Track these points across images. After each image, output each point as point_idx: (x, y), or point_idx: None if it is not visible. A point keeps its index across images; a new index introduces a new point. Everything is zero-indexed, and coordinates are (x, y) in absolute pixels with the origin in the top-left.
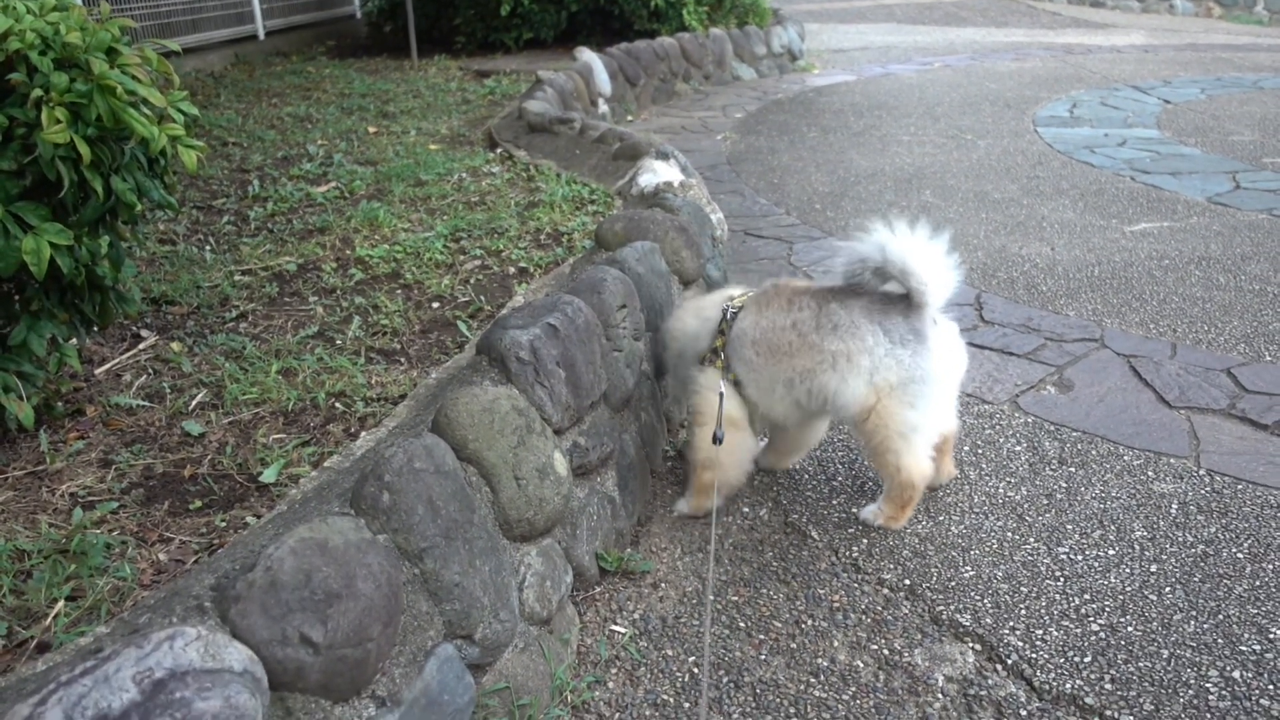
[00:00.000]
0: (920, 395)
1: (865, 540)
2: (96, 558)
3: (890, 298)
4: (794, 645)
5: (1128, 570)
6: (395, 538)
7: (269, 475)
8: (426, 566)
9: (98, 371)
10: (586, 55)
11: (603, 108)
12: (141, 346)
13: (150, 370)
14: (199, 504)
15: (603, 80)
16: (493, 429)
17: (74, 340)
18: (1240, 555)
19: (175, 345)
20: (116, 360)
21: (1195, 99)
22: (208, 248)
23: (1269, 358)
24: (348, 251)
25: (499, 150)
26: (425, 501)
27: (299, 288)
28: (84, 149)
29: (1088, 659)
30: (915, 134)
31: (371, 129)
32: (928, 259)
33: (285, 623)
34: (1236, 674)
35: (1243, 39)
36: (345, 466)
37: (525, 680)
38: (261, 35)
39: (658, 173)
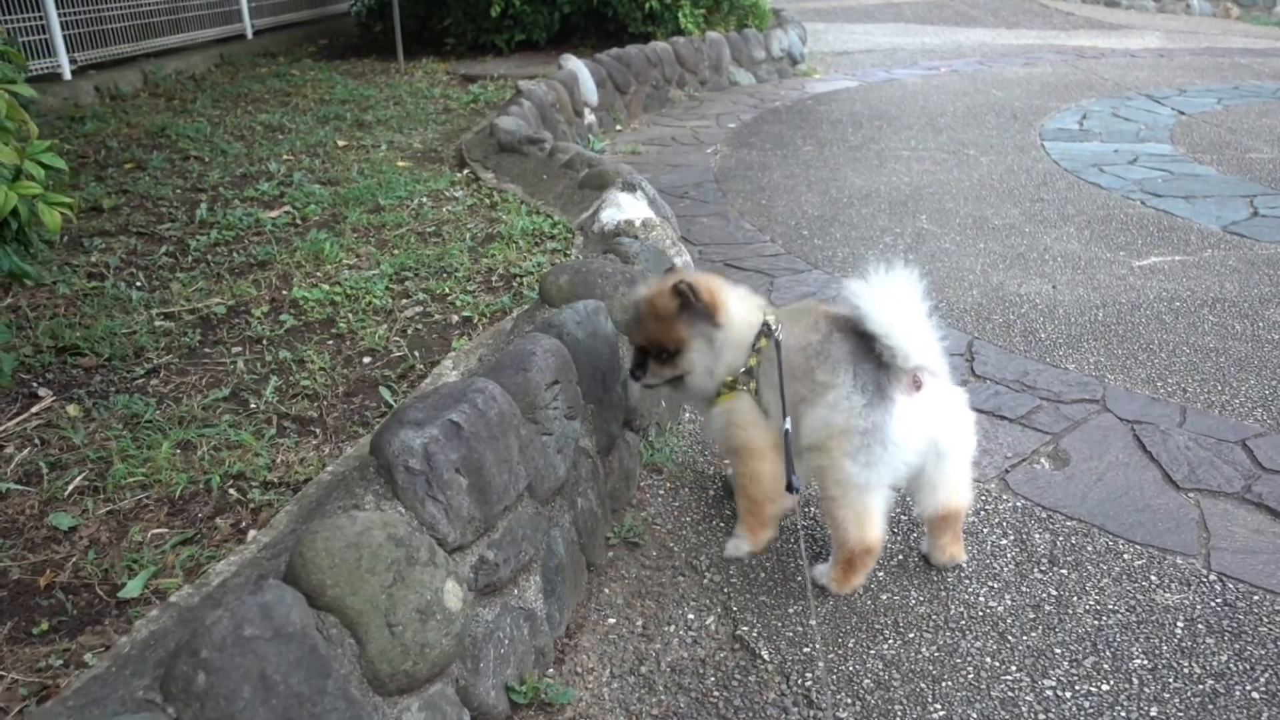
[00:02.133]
0: (865, 450)
1: (822, 663)
2: None
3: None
4: None
5: (1123, 714)
6: None
7: (132, 589)
8: None
9: None
10: (572, 63)
11: (589, 118)
12: (35, 409)
13: (37, 441)
14: (46, 626)
15: (589, 89)
16: (360, 568)
17: None
18: (1256, 695)
19: (71, 408)
20: (2, 428)
21: (1211, 109)
22: (136, 284)
23: None
24: (284, 292)
25: (466, 171)
26: (255, 679)
27: (223, 335)
28: None
29: None
30: (915, 148)
31: (341, 142)
32: (904, 323)
33: None
34: None
35: (1262, 43)
36: (193, 603)
37: None
38: (249, 35)
39: (622, 208)
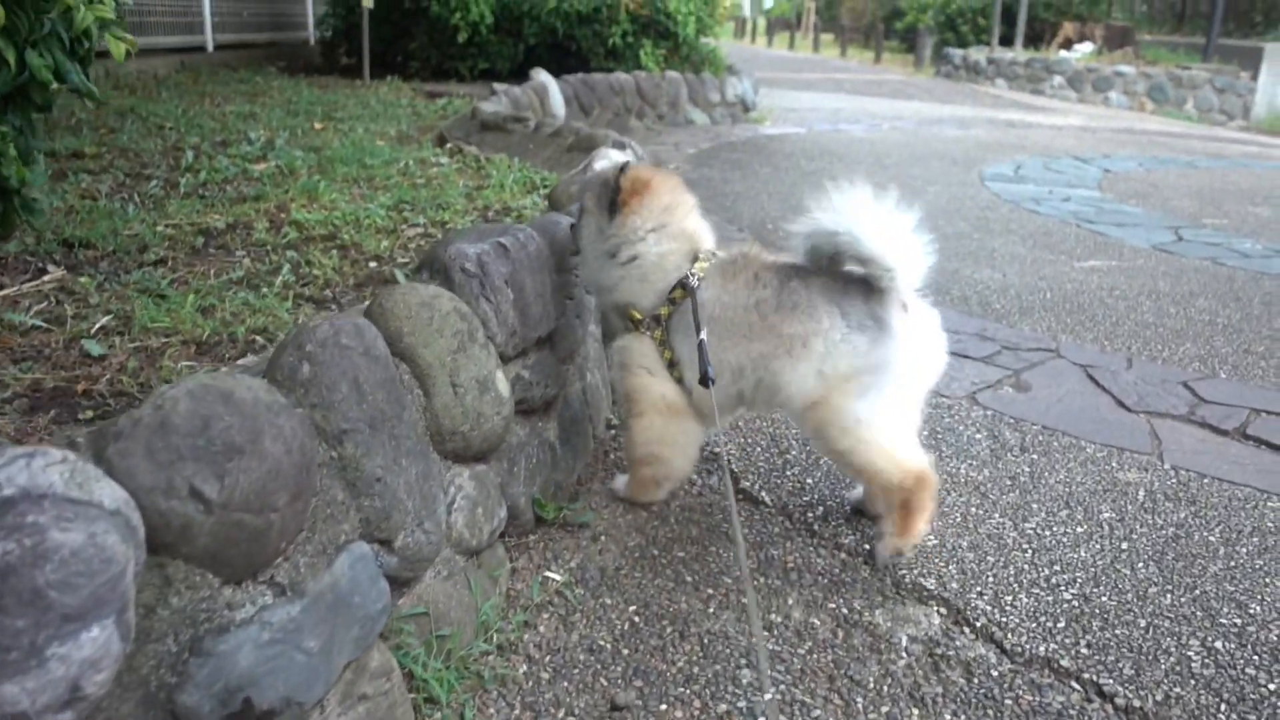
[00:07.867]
0: (874, 388)
1: (821, 508)
2: None
3: (852, 277)
4: (745, 601)
5: (1098, 546)
6: (313, 414)
7: None
8: (346, 451)
9: None
10: (543, 75)
11: None
12: (46, 279)
13: (53, 299)
14: (91, 415)
15: (557, 101)
16: (430, 326)
17: None
18: (1213, 539)
19: (84, 279)
20: (16, 288)
21: (1134, 170)
22: (131, 206)
23: (1224, 375)
24: (282, 215)
25: (448, 145)
26: (350, 381)
27: (227, 242)
28: None
29: (1061, 624)
30: (865, 178)
31: (318, 125)
32: (894, 238)
33: (173, 470)
34: (1219, 644)
35: (1176, 128)
36: None
37: (447, 610)
38: (210, 48)
39: (613, 159)
